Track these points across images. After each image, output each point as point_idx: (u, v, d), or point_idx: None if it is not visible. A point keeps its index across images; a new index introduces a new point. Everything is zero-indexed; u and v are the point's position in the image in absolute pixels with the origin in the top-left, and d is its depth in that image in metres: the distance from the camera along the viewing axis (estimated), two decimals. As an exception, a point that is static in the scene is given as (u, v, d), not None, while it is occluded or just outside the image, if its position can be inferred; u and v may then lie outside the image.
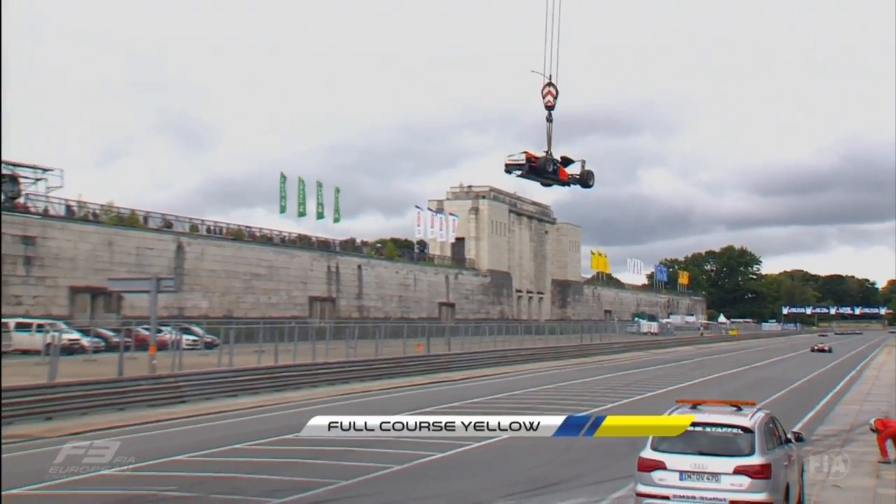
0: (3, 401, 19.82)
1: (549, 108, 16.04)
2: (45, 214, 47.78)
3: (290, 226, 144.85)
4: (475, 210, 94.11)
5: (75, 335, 36.58)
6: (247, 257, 60.58)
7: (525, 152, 16.21)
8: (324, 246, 70.95)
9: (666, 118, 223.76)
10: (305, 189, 69.97)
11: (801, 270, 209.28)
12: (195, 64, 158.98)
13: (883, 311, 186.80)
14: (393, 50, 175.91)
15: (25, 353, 33.65)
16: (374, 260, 76.34)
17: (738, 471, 9.32)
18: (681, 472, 9.49)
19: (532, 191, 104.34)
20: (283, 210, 68.22)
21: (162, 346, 30.19)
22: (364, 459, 14.73)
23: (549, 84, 16.01)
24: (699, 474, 9.43)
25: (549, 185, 17.12)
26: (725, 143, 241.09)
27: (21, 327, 37.24)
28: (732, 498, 9.26)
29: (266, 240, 64.83)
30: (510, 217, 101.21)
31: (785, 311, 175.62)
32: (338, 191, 74.70)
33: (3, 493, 11.44)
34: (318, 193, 71.84)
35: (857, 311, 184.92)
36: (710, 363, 50.73)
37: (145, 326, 35.23)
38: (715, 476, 9.37)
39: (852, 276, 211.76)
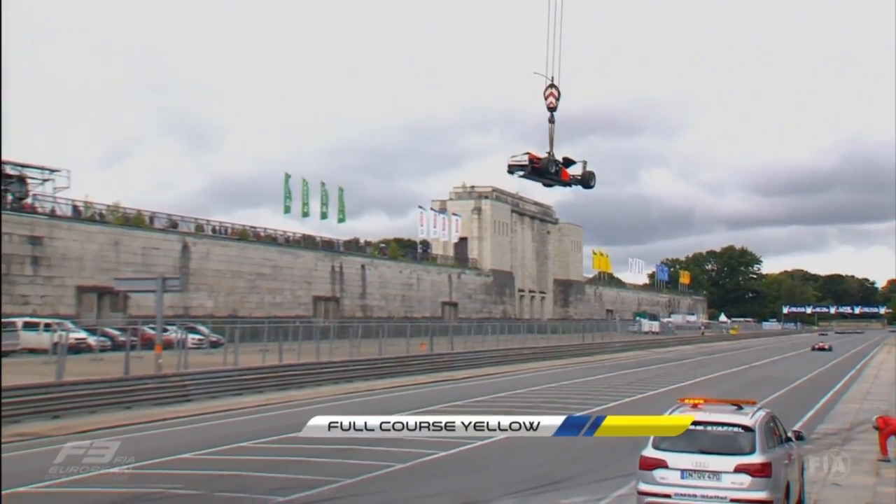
0: (12, 399, 20.04)
1: (552, 109, 16.15)
2: (52, 215, 48.02)
3: (294, 226, 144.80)
4: (478, 210, 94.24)
5: (82, 334, 36.80)
6: (251, 257, 60.76)
7: (528, 153, 16.33)
8: (328, 246, 71.10)
9: (667, 119, 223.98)
10: (309, 189, 70.21)
11: (802, 270, 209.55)
12: (200, 65, 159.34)
13: (883, 310, 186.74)
14: (397, 51, 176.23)
15: (33, 351, 33.84)
16: (377, 260, 76.46)
17: (739, 469, 9.38)
18: (682, 471, 9.54)
19: (534, 191, 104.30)
20: (287, 210, 68.39)
21: (168, 346, 30.35)
22: (367, 458, 14.83)
23: (552, 86, 16.13)
24: (700, 473, 9.49)
25: (551, 185, 17.23)
26: (726, 143, 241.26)
27: (28, 326, 37.41)
28: (733, 496, 9.31)
29: (270, 240, 65.00)
30: (513, 217, 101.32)
31: (785, 310, 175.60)
32: (342, 191, 74.93)
33: (2, 492, 11.44)
34: (322, 194, 72.06)
35: (857, 310, 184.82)
36: (710, 362, 50.82)
37: (151, 326, 35.27)
38: (716, 474, 9.43)
39: (852, 276, 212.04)
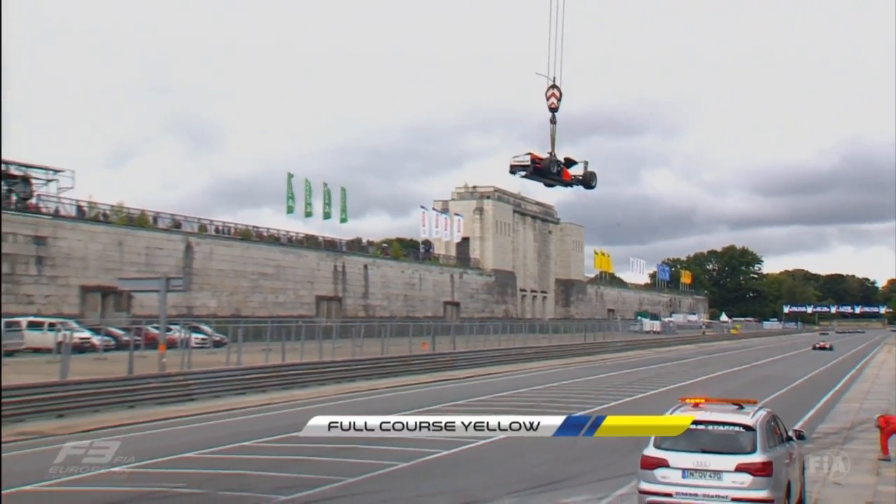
0: (17, 398, 20.16)
1: (553, 109, 16.25)
2: (56, 215, 48.19)
3: (297, 226, 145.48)
4: (480, 210, 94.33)
5: (86, 334, 36.88)
6: (254, 257, 60.89)
7: (530, 153, 16.44)
8: (330, 246, 71.22)
9: (669, 119, 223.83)
10: (312, 189, 70.30)
11: (802, 270, 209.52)
12: (203, 66, 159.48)
13: (883, 310, 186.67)
14: (399, 51, 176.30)
15: (37, 351, 33.91)
16: (379, 260, 76.56)
17: (740, 468, 9.41)
18: (683, 470, 9.57)
19: (536, 191, 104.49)
20: (290, 210, 68.52)
21: (171, 345, 30.41)
22: (370, 457, 14.91)
23: (553, 86, 16.24)
24: (701, 472, 9.51)
25: (553, 185, 17.34)
26: (728, 144, 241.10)
27: (33, 326, 37.51)
28: (734, 495, 9.34)
29: (273, 240, 65.13)
30: (514, 217, 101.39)
31: (786, 310, 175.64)
32: (344, 191, 75.00)
33: (2, 492, 11.49)
34: (324, 194, 72.16)
35: (858, 309, 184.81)
36: (711, 361, 50.86)
37: (155, 325, 35.46)
38: (717, 474, 9.45)
39: (853, 276, 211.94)
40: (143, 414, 22.06)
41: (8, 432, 17.88)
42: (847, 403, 26.18)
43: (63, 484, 12.64)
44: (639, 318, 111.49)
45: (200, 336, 40.43)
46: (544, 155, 16.24)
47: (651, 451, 9.85)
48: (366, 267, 73.24)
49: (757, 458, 9.51)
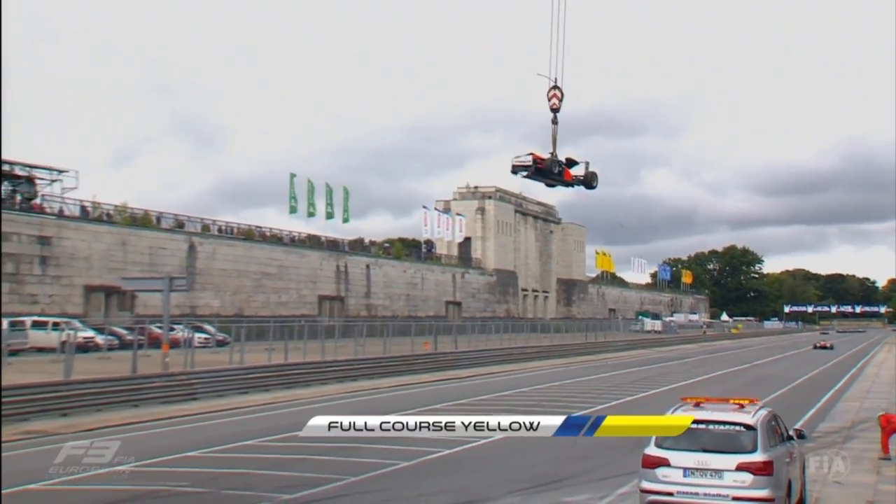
0: (21, 397, 20.26)
1: (555, 110, 16.28)
2: (60, 215, 48.34)
3: (299, 226, 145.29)
4: (481, 210, 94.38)
5: (90, 333, 36.93)
6: (257, 257, 60.98)
7: (531, 154, 16.49)
8: (333, 246, 71.31)
9: (669, 120, 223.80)
10: (315, 189, 70.34)
11: (803, 269, 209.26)
12: (206, 66, 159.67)
13: (883, 309, 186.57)
14: (400, 51, 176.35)
15: (41, 350, 34.01)
16: (382, 259, 76.63)
17: (741, 467, 9.44)
18: (684, 469, 9.60)
19: (537, 191, 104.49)
20: (293, 210, 68.63)
21: (174, 344, 30.52)
22: (372, 456, 14.97)
23: (555, 87, 16.28)
24: (702, 471, 9.54)
25: (554, 185, 17.37)
26: (728, 144, 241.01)
27: (37, 325, 37.59)
28: (735, 494, 9.37)
29: (276, 239, 65.21)
30: (516, 217, 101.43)
31: (787, 309, 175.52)
32: (346, 191, 75.10)
33: (3, 492, 11.49)
34: (327, 194, 72.23)
35: (858, 309, 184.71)
36: (712, 361, 50.89)
37: (158, 325, 35.64)
38: (718, 473, 9.49)
39: (853, 275, 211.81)
40: (147, 413, 22.15)
41: (12, 431, 17.99)
42: (847, 403, 26.22)
43: (64, 483, 12.68)
44: (640, 317, 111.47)
45: (204, 335, 40.55)
46: (546, 155, 16.28)
47: (652, 451, 9.89)
48: (368, 267, 73.32)
49: (758, 457, 9.54)
